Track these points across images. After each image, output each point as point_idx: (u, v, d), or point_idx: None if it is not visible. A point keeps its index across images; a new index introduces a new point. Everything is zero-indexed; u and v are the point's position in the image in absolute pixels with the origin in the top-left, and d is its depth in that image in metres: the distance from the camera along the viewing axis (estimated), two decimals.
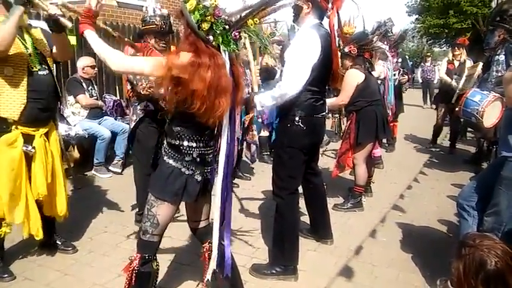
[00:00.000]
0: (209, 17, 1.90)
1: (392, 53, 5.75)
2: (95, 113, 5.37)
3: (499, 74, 4.44)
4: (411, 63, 15.56)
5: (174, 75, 1.89)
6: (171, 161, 2.04)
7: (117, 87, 6.62)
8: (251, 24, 2.00)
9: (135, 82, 3.35)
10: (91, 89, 5.38)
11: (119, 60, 2.01)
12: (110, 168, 5.30)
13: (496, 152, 3.94)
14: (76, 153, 4.97)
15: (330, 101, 4.10)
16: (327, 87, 3.16)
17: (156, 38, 3.43)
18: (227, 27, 1.94)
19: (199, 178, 2.07)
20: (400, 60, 6.85)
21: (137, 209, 3.73)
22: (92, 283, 2.72)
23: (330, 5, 2.78)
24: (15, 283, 2.72)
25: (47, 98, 2.76)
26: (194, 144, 2.04)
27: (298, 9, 2.83)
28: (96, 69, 5.54)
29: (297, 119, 2.76)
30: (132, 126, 3.51)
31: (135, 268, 2.08)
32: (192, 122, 1.99)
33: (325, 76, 2.89)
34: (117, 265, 2.94)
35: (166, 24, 3.44)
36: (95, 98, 5.44)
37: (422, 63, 14.41)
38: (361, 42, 4.02)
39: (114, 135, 5.33)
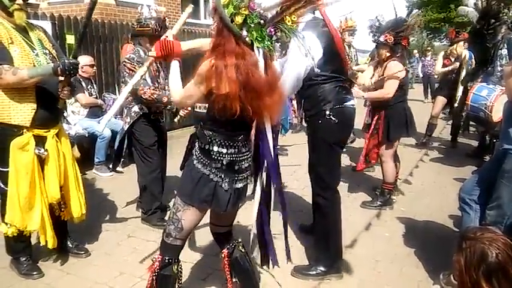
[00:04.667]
0: (243, 9, 1.81)
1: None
2: (95, 111, 5.36)
3: (503, 68, 4.46)
4: (415, 58, 15.29)
5: (205, 87, 1.85)
6: (199, 166, 1.96)
7: (116, 86, 6.61)
8: (288, 22, 1.93)
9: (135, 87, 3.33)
10: (90, 88, 5.37)
11: (177, 92, 2.03)
12: (111, 167, 5.28)
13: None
14: (76, 153, 4.95)
15: (373, 94, 4.04)
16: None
17: (151, 41, 3.39)
18: (262, 22, 1.85)
19: (226, 187, 1.96)
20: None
21: (141, 209, 3.73)
22: (94, 282, 2.72)
23: None
24: (17, 282, 2.72)
25: (56, 98, 2.69)
26: (224, 150, 1.94)
27: None
28: (95, 68, 5.53)
29: (327, 112, 2.67)
30: (126, 128, 3.51)
31: (155, 270, 2.04)
32: (225, 127, 1.92)
33: (341, 65, 2.80)
34: (118, 263, 2.95)
35: (162, 28, 3.43)
36: (95, 96, 5.44)
37: (422, 58, 14.38)
38: (397, 29, 3.87)
39: (114, 133, 5.32)
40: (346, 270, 2.87)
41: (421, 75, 13.93)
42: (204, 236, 3.09)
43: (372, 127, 4.19)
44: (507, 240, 1.40)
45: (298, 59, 2.59)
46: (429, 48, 15.06)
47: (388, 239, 3.41)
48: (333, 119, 2.67)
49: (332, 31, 2.72)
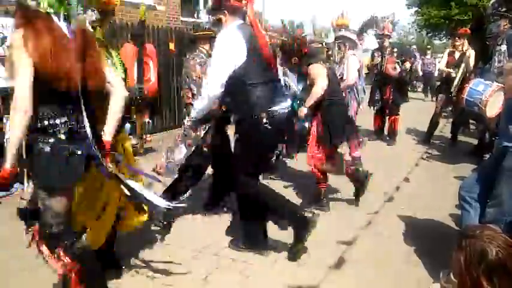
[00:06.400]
0: None
1: (360, 40, 6.04)
2: None
3: (501, 64, 4.45)
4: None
5: (25, 51, 1.81)
6: (40, 146, 1.91)
7: None
8: None
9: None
10: None
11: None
12: None
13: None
14: None
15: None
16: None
17: (211, 43, 3.61)
18: None
19: (79, 152, 1.95)
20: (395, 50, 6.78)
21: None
22: None
23: (244, 1, 2.79)
24: (18, 283, 2.71)
25: None
26: (58, 121, 1.94)
27: (219, 22, 2.85)
28: None
29: (257, 117, 2.70)
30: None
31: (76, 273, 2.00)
32: (54, 97, 1.92)
33: (270, 68, 2.89)
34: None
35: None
36: None
37: (422, 56, 14.35)
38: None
39: None
40: (345, 268, 2.86)
41: (420, 73, 13.92)
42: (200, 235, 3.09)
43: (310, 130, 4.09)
44: (507, 238, 1.39)
45: (224, 53, 2.69)
46: (429, 46, 15.02)
47: (388, 237, 3.40)
48: (264, 124, 2.70)
49: (258, 33, 2.82)
